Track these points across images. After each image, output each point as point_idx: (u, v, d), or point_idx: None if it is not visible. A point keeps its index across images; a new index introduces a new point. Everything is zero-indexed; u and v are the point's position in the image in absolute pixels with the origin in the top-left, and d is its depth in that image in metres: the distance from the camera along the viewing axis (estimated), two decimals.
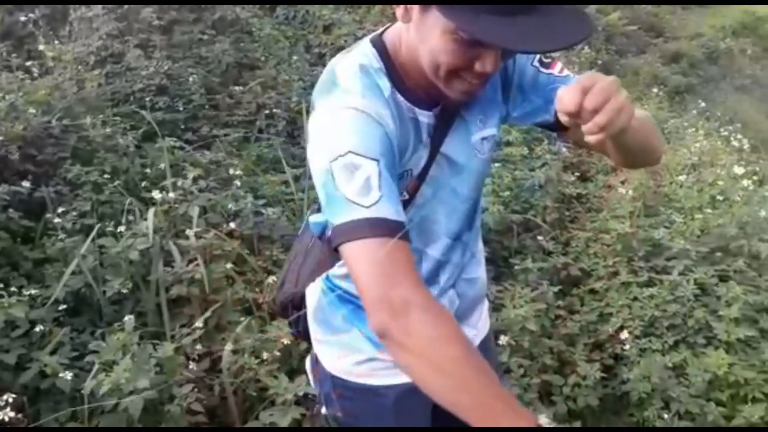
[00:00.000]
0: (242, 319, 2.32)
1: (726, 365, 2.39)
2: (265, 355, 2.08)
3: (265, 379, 1.95)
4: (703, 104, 6.03)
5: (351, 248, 0.92)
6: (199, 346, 2.21)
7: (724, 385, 2.40)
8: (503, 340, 2.47)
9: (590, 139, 0.87)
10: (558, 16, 0.91)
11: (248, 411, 2.00)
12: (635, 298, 2.85)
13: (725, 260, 3.00)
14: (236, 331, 2.19)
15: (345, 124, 0.97)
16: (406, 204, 1.10)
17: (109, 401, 1.88)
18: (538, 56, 1.15)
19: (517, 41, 0.89)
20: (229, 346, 2.10)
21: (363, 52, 1.06)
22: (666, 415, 2.35)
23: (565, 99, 0.85)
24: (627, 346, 2.57)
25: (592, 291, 3.03)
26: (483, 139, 1.17)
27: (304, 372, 2.03)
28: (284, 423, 1.82)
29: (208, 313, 2.30)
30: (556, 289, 2.84)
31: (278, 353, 2.12)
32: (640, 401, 2.47)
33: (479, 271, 1.33)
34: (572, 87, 0.85)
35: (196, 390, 1.98)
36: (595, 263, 3.13)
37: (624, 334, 2.60)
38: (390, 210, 0.93)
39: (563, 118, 0.88)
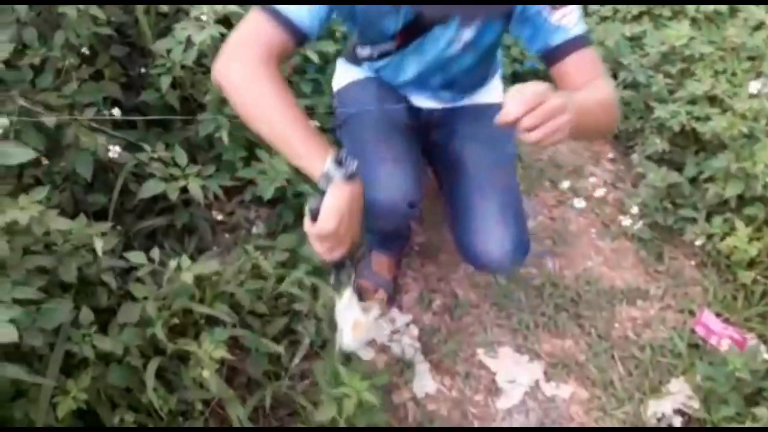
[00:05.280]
0: None
1: (685, 38, 2.29)
2: None
3: None
4: None
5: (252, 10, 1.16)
6: None
7: (678, 59, 2.33)
8: None
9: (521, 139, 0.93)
10: None
11: None
12: None
13: None
14: None
15: None
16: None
17: None
18: None
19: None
20: None
21: None
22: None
23: (507, 107, 0.90)
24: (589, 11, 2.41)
25: None
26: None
27: None
28: None
29: None
30: None
31: None
32: None
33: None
34: (517, 101, 0.89)
35: None
36: None
37: None
38: (293, 11, 1.15)
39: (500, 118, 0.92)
